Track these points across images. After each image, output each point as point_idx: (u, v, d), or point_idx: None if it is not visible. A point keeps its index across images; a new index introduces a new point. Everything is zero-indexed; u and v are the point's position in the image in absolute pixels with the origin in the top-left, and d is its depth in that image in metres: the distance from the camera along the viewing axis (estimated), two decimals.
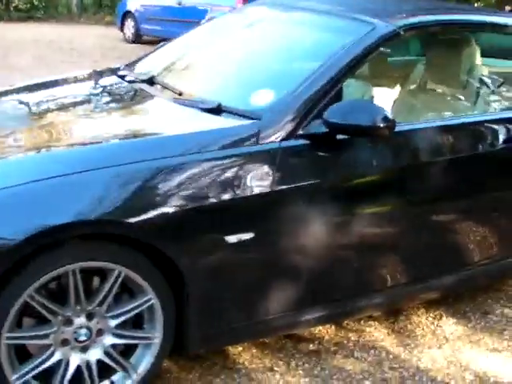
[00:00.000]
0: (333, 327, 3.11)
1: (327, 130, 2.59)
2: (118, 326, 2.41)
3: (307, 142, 2.60)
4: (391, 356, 2.98)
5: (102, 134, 2.61)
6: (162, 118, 2.79)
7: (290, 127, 2.58)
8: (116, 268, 2.29)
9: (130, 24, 13.24)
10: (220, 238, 2.41)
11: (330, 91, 2.68)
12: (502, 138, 3.15)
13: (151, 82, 3.17)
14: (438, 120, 3.07)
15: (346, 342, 3.04)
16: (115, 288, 2.32)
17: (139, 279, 2.34)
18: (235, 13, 3.97)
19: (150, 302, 2.40)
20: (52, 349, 2.32)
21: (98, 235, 2.25)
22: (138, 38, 13.13)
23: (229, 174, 2.46)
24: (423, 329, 3.23)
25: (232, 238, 2.44)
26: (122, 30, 13.49)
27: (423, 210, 2.87)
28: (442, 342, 3.13)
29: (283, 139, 2.57)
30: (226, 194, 2.42)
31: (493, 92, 3.28)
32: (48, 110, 3.03)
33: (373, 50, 2.84)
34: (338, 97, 2.71)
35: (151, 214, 2.28)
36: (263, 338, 2.89)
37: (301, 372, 2.81)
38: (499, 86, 3.22)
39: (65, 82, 3.55)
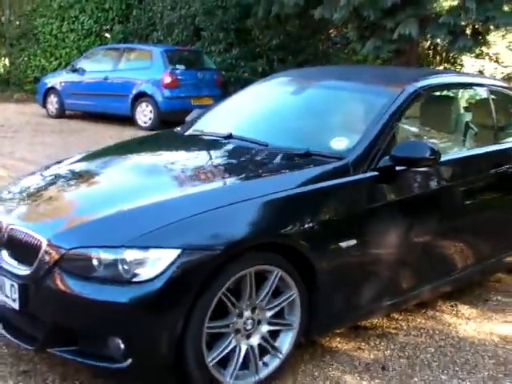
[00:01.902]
0: (384, 319, 4.02)
1: (393, 163, 3.57)
2: (271, 317, 3.21)
3: (380, 173, 3.56)
4: (437, 332, 3.95)
5: (232, 177, 3.46)
6: (271, 163, 3.67)
7: (367, 163, 3.55)
8: (275, 270, 3.13)
9: (53, 100, 13.80)
10: (337, 243, 3.31)
11: (388, 134, 3.69)
12: (488, 165, 4.29)
13: (230, 137, 4.03)
14: (453, 153, 4.15)
15: (399, 327, 3.97)
16: (273, 286, 3.15)
17: (288, 278, 3.17)
18: (268, 82, 4.93)
19: (293, 296, 3.23)
20: (230, 337, 3.08)
21: (264, 246, 3.08)
22: (61, 113, 13.70)
23: (336, 198, 3.40)
24: (449, 314, 4.23)
25: (343, 244, 3.35)
26: (44, 106, 14.01)
27: (454, 218, 3.92)
28: (466, 320, 4.14)
29: (364, 172, 3.53)
30: (336, 212, 3.35)
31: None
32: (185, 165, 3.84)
33: (407, 104, 3.89)
34: (393, 138, 3.72)
35: (297, 228, 3.15)
36: (362, 321, 3.79)
37: (381, 347, 3.71)
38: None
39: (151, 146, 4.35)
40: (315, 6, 12.43)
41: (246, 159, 3.74)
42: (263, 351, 3.21)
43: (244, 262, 3.00)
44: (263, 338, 3.19)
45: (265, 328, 3.19)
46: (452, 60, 20.55)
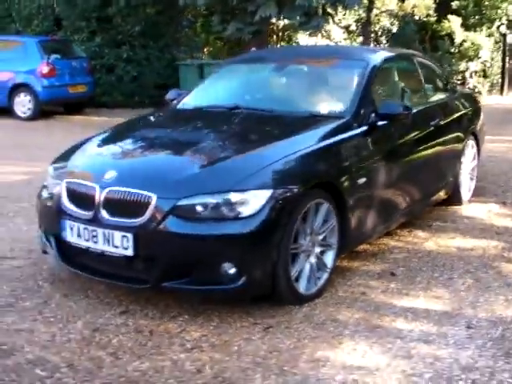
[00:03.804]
0: (367, 245, 5.05)
1: (378, 119, 4.63)
2: (321, 240, 4.15)
3: (371, 126, 4.61)
4: (411, 248, 5.10)
5: (275, 135, 4.33)
6: (293, 124, 4.56)
7: (361, 120, 4.57)
8: (325, 203, 4.06)
9: None
10: (356, 181, 4.31)
11: (368, 98, 4.75)
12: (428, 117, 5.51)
13: (237, 107, 4.86)
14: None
15: (383, 248, 5.05)
16: (323, 216, 4.08)
17: (331, 209, 4.12)
18: (243, 62, 5.79)
19: (334, 223, 4.18)
20: (300, 257, 3.96)
21: (318, 184, 3.99)
22: None
23: (350, 147, 4.40)
24: (411, 237, 5.40)
25: (360, 181, 4.36)
26: None
27: (413, 162, 5.07)
28: (424, 239, 5.34)
29: (360, 126, 4.56)
30: (353, 158, 4.35)
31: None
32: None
33: (375, 73, 4.97)
34: (372, 100, 4.77)
35: (334, 170, 4.12)
36: (371, 239, 4.81)
37: (380, 262, 4.79)
38: None
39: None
40: None
41: (269, 122, 4.59)
42: (317, 268, 4.11)
43: (310, 196, 3.90)
44: (317, 256, 4.09)
45: (317, 249, 4.10)
46: (287, 38, 22.18)
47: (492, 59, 19.92)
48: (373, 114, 4.61)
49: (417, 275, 4.53)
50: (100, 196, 3.78)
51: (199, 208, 3.59)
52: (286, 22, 16.96)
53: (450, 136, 5.76)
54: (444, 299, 4.13)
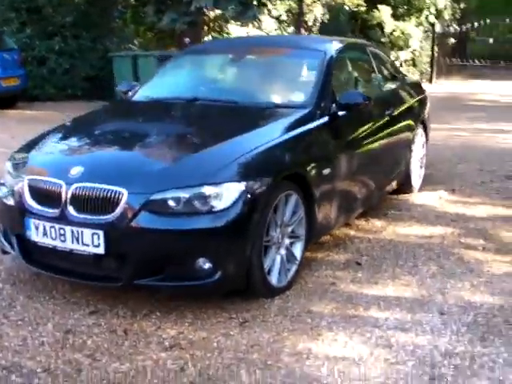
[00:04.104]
0: (328, 236, 5.08)
1: (338, 109, 4.65)
2: (290, 232, 4.14)
3: (332, 116, 4.63)
4: (371, 237, 5.16)
5: (243, 127, 4.26)
6: (257, 115, 4.52)
7: (323, 110, 4.59)
8: (294, 194, 4.05)
9: None
10: (321, 172, 4.31)
11: (328, 88, 4.77)
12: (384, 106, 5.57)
13: (195, 99, 4.79)
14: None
15: (344, 238, 5.10)
16: (292, 207, 4.07)
17: (299, 201, 4.10)
18: (195, 53, 5.71)
19: (302, 215, 4.18)
20: (272, 249, 3.93)
21: (287, 176, 3.98)
22: None
23: (315, 137, 4.40)
24: (369, 226, 5.47)
25: (325, 172, 4.37)
26: None
27: (373, 151, 5.12)
28: (382, 228, 5.41)
29: (322, 116, 4.57)
30: (318, 148, 4.36)
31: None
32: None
33: (332, 63, 4.98)
34: (332, 90, 4.79)
35: (303, 161, 4.11)
36: (334, 229, 4.82)
37: (343, 252, 4.83)
38: None
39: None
40: None
41: (232, 114, 4.54)
42: (287, 260, 4.10)
43: (281, 188, 3.88)
44: (287, 248, 4.08)
45: (287, 241, 4.09)
46: (218, 29, 22.04)
47: (421, 48, 20.37)
48: (333, 104, 4.61)
49: (381, 264, 4.58)
50: (66, 193, 3.66)
51: (172, 202, 3.52)
52: (218, 12, 16.85)
53: (403, 125, 5.86)
54: (412, 287, 4.19)
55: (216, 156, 3.80)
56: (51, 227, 3.68)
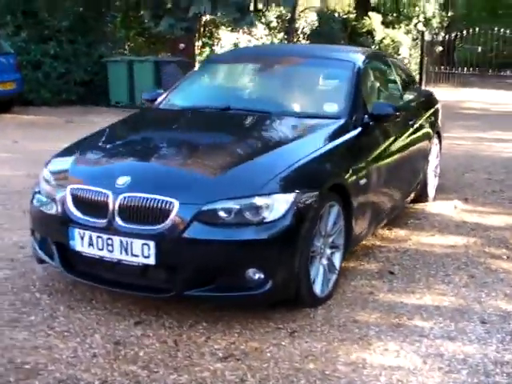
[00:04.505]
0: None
1: (370, 119, 4.71)
2: (331, 242, 4.17)
3: (365, 127, 4.68)
4: (397, 247, 5.21)
5: (286, 138, 4.31)
6: (293, 125, 4.55)
7: (357, 121, 4.64)
8: (336, 205, 4.09)
9: None
10: (358, 182, 4.35)
11: (360, 98, 4.82)
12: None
13: (228, 108, 4.81)
14: None
15: (371, 247, 5.13)
16: (334, 218, 4.11)
17: (340, 211, 4.16)
18: (224, 61, 5.73)
19: (341, 225, 4.23)
20: (317, 259, 3.96)
21: (331, 187, 4.01)
22: None
23: (353, 148, 4.44)
24: (393, 235, 5.52)
25: (362, 182, 4.41)
26: None
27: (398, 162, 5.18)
28: (405, 237, 5.47)
29: (356, 126, 4.62)
30: (356, 159, 4.40)
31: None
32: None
33: (362, 74, 5.04)
34: (364, 101, 4.85)
35: (343, 172, 4.15)
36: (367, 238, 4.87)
37: (374, 262, 4.87)
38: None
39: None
40: None
41: (269, 124, 4.57)
42: (328, 269, 4.13)
43: (326, 198, 3.91)
44: (328, 258, 4.11)
45: (328, 251, 4.12)
46: (209, 34, 22.05)
47: (410, 56, 20.58)
48: (366, 115, 4.66)
49: (414, 273, 4.63)
50: (114, 203, 3.65)
51: (223, 213, 3.54)
52: (208, 17, 16.91)
53: (423, 135, 5.93)
54: (448, 296, 4.25)
55: (264, 167, 3.82)
56: (98, 237, 3.67)
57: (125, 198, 3.63)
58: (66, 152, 4.35)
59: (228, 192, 3.59)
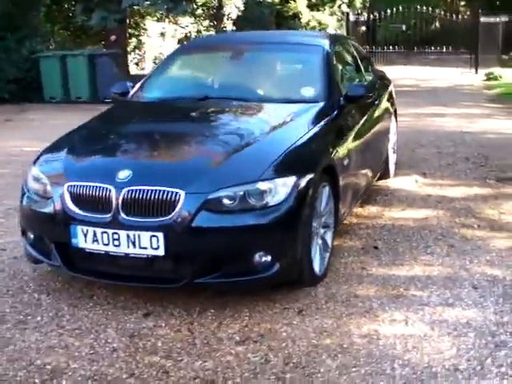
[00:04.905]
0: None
1: (346, 101, 4.87)
2: (323, 221, 4.31)
3: (341, 109, 4.83)
4: (374, 223, 5.41)
5: (274, 123, 4.39)
6: (276, 110, 4.64)
7: (334, 103, 4.79)
8: (327, 186, 4.23)
9: None
10: (343, 162, 4.50)
11: (334, 81, 4.97)
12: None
13: (206, 98, 4.87)
14: None
15: (350, 225, 5.29)
16: (326, 198, 4.25)
17: (330, 191, 4.30)
18: (194, 49, 5.74)
19: (331, 204, 4.37)
20: (314, 239, 4.05)
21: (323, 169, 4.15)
22: None
23: (335, 130, 4.59)
24: (366, 213, 5.72)
25: (345, 162, 4.57)
26: None
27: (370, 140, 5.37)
28: (379, 213, 5.67)
29: (334, 109, 4.77)
30: (338, 141, 4.55)
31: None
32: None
33: (331, 57, 5.19)
34: (337, 83, 5.00)
35: (332, 153, 4.29)
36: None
37: (356, 239, 5.05)
38: None
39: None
40: None
41: (253, 111, 4.65)
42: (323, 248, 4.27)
43: (320, 180, 4.04)
44: (321, 237, 4.25)
45: (321, 230, 4.26)
46: (134, 25, 21.85)
47: None
48: (341, 98, 4.80)
49: (397, 247, 4.83)
50: (117, 197, 3.66)
51: (228, 200, 3.61)
52: (135, 8, 16.75)
53: (386, 113, 6.14)
54: (436, 265, 4.46)
55: (261, 153, 3.92)
56: (103, 233, 3.68)
57: (128, 191, 3.64)
58: (54, 149, 4.31)
59: (231, 179, 3.66)
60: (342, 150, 4.50)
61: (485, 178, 6.85)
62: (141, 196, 3.62)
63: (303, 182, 3.80)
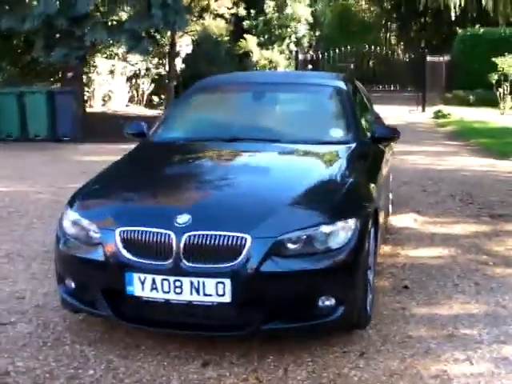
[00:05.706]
0: None
1: (371, 139, 4.97)
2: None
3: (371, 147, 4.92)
4: (396, 261, 5.48)
5: (315, 166, 4.42)
6: (310, 152, 4.67)
7: (359, 143, 4.86)
8: (373, 226, 4.27)
9: None
10: (378, 203, 4.56)
11: (358, 121, 5.06)
12: None
13: (234, 139, 4.86)
14: None
15: None
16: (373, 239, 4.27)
17: (374, 232, 4.34)
18: (209, 90, 5.71)
19: (373, 244, 4.40)
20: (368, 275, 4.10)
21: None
22: None
23: (372, 171, 4.66)
24: (383, 251, 5.78)
25: (380, 203, 4.63)
26: None
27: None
28: (396, 250, 5.75)
29: (366, 149, 4.85)
30: (371, 178, 4.61)
31: None
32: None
33: (351, 97, 5.29)
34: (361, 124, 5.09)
35: (375, 194, 4.35)
36: None
37: (389, 275, 5.10)
38: None
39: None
40: None
41: (288, 152, 4.66)
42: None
43: (372, 221, 4.07)
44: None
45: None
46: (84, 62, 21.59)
47: None
48: (369, 139, 4.89)
49: (426, 286, 4.89)
50: (178, 243, 3.57)
51: (293, 244, 3.58)
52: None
53: (389, 152, 6.25)
54: (472, 303, 4.54)
55: (319, 195, 3.93)
56: (163, 280, 3.58)
57: (189, 237, 3.56)
58: (93, 192, 4.17)
59: (295, 223, 3.64)
60: (376, 191, 4.54)
61: (478, 215, 7.02)
62: (204, 241, 3.55)
63: (361, 225, 3.81)
